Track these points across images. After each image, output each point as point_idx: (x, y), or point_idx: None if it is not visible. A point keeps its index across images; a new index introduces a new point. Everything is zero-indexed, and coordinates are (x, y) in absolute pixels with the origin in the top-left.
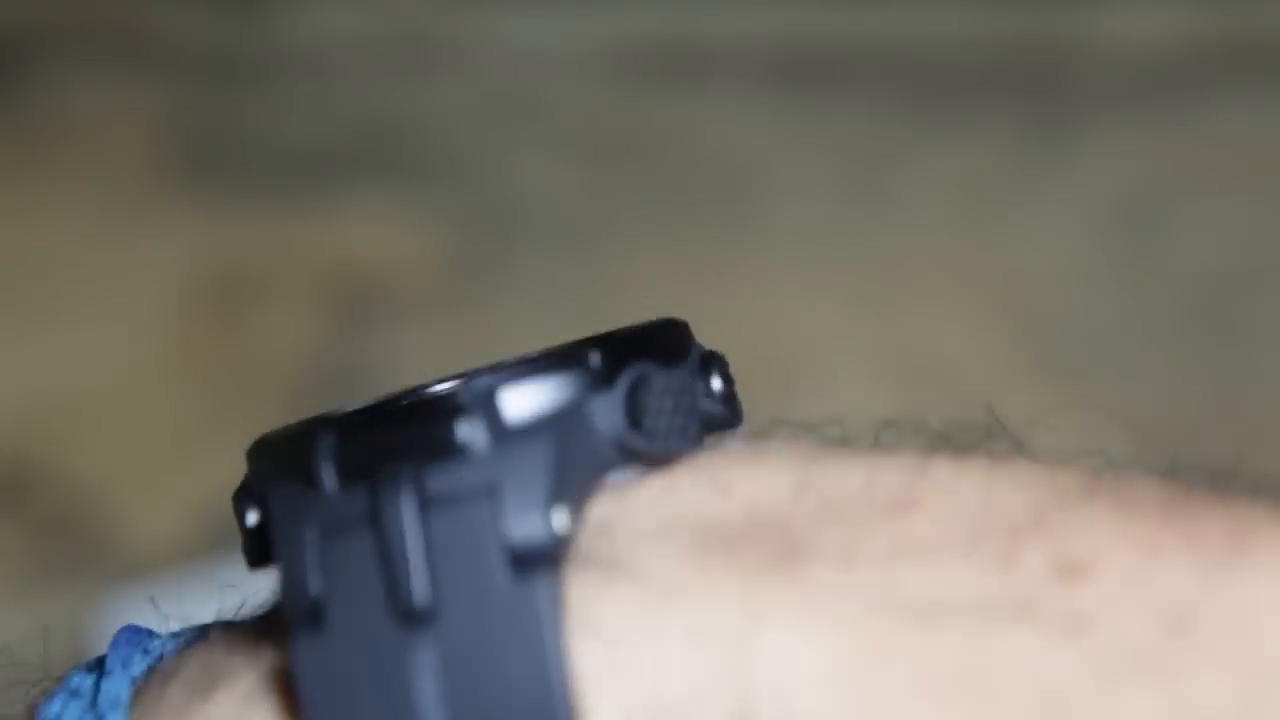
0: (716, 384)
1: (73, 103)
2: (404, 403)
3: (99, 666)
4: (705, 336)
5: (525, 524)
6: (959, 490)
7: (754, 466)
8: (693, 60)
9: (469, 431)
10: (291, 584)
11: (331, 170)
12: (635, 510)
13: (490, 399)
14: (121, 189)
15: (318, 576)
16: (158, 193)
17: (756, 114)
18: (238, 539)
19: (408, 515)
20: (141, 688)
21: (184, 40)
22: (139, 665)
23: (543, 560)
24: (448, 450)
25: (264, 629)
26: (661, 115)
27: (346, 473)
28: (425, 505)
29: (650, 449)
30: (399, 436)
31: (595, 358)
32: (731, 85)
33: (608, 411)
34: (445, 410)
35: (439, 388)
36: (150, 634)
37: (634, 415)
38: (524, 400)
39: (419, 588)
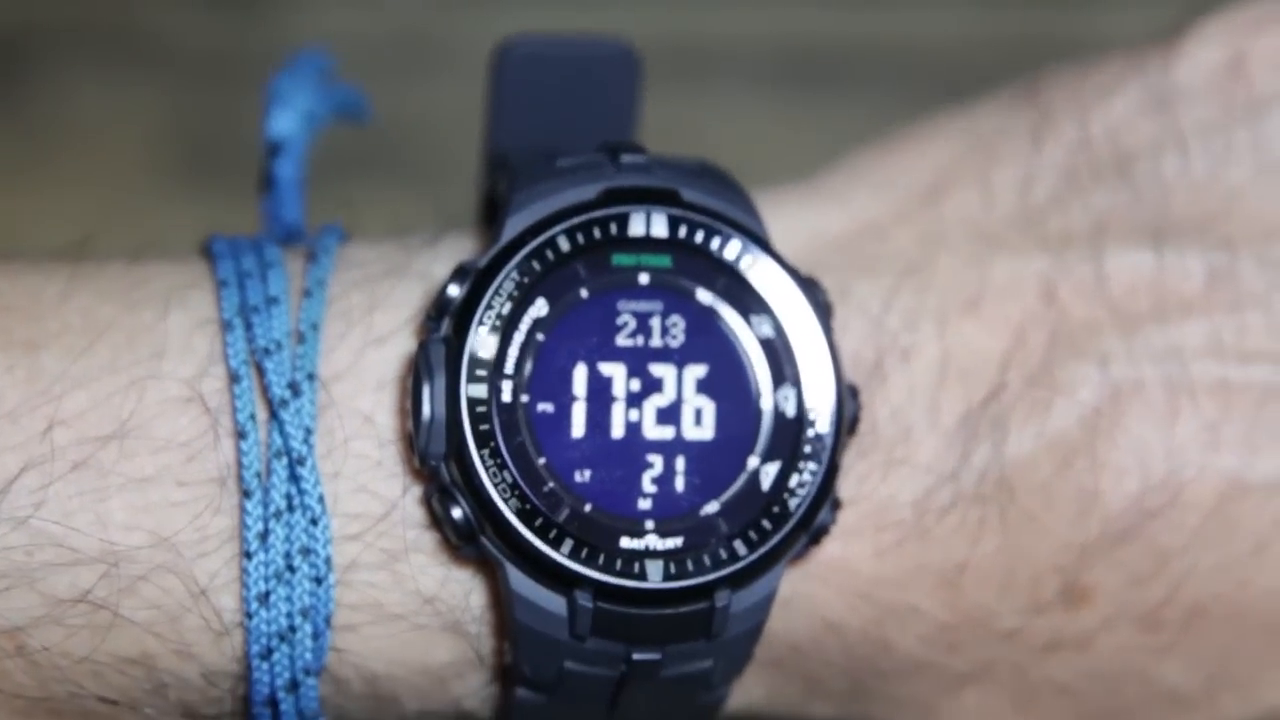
0: None
1: (73, 103)
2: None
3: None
4: None
5: None
6: None
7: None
8: (693, 60)
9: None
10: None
11: (332, 170)
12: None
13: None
14: (121, 189)
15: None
16: (158, 193)
17: (757, 113)
18: None
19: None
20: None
21: (184, 40)
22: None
23: None
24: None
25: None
26: (661, 115)
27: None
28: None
29: None
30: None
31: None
32: (732, 85)
33: None
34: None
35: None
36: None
37: None
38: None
39: None
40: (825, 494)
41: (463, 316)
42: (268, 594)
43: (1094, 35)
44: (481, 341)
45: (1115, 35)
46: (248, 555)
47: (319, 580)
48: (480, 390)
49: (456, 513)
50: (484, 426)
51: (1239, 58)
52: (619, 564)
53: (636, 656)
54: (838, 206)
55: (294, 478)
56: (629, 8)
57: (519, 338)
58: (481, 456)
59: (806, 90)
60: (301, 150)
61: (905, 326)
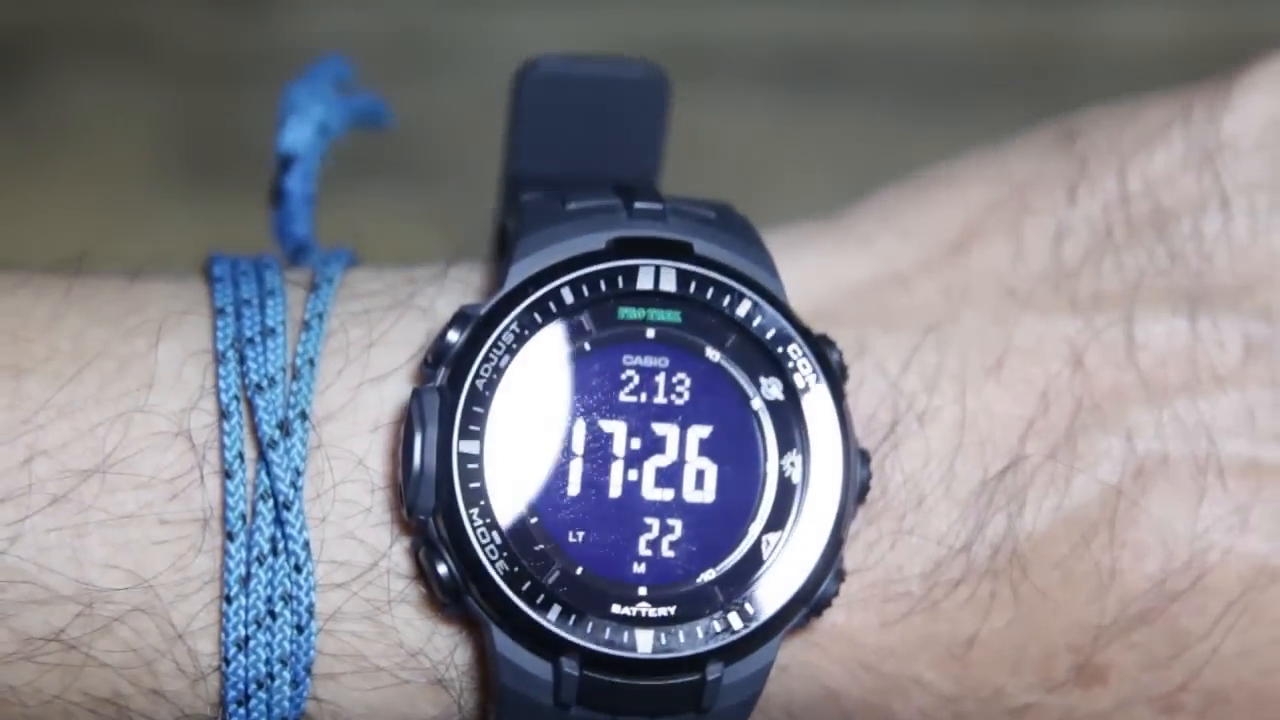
0: None
1: (74, 103)
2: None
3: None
4: None
5: None
6: None
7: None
8: (694, 59)
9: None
10: None
11: (331, 170)
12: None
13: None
14: (122, 189)
15: None
16: (158, 193)
17: (757, 113)
18: None
19: None
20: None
21: (184, 40)
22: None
23: None
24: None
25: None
26: None
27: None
28: None
29: None
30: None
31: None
32: (732, 84)
33: None
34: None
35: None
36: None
37: None
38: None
39: None
40: (827, 567)
41: (459, 366)
42: (247, 639)
43: (1094, 35)
44: (477, 396)
45: (1115, 35)
46: (228, 600)
47: (300, 628)
48: (473, 446)
49: (442, 569)
50: (474, 484)
51: None
52: (608, 632)
53: None
54: (862, 251)
55: (279, 521)
56: (629, 8)
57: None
58: (470, 515)
59: (806, 90)
60: (314, 164)
61: (924, 388)
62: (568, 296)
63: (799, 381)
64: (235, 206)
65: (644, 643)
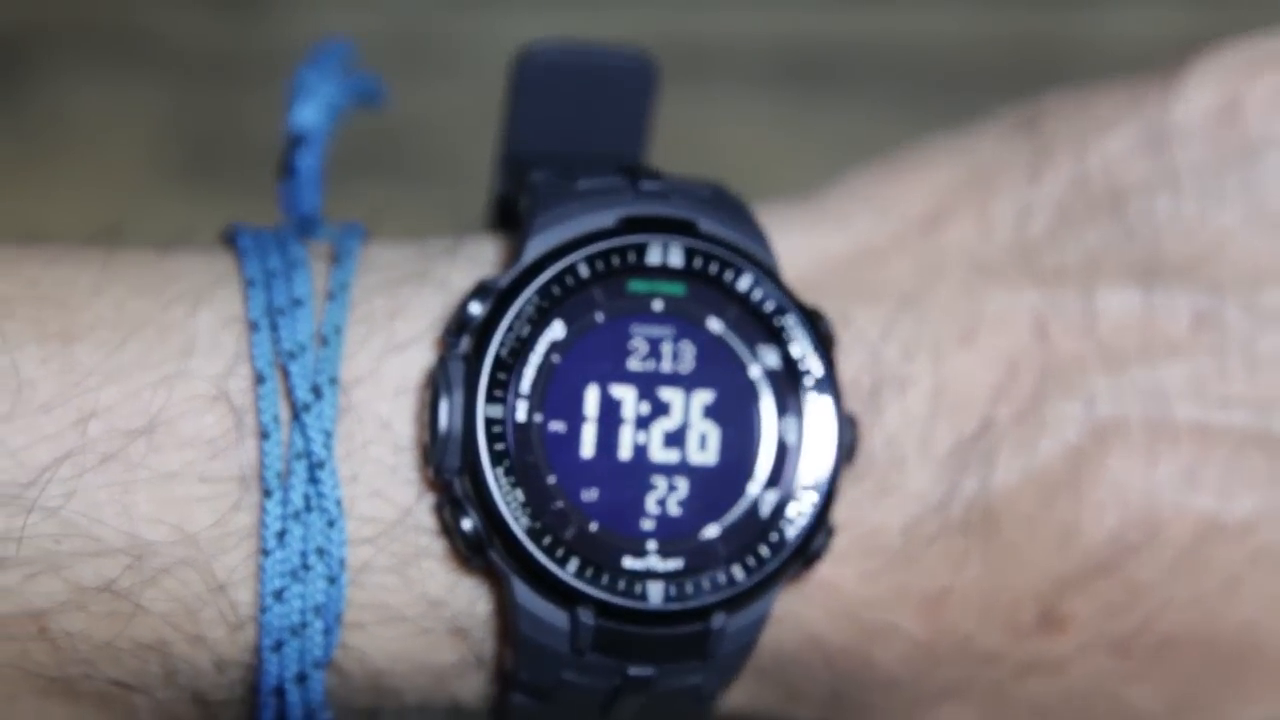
0: None
1: (73, 103)
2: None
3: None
4: None
5: None
6: None
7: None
8: (693, 60)
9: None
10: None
11: (331, 170)
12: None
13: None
14: (122, 189)
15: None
16: (158, 192)
17: (757, 114)
18: None
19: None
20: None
21: (184, 40)
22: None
23: None
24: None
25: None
26: (661, 115)
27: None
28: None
29: None
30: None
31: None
32: (732, 85)
33: None
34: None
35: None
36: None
37: None
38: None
39: None
40: (821, 522)
41: (483, 336)
42: (282, 591)
43: (1094, 35)
44: (500, 363)
45: (1115, 35)
46: (265, 553)
47: (332, 580)
48: (497, 410)
49: (467, 525)
50: (499, 445)
51: (1234, 101)
52: (621, 584)
53: (632, 672)
54: (840, 228)
55: (313, 480)
56: (629, 8)
57: (535, 359)
58: (495, 474)
59: (806, 90)
60: (323, 142)
61: (902, 356)
62: (583, 270)
63: (794, 351)
64: (235, 206)
65: (655, 594)
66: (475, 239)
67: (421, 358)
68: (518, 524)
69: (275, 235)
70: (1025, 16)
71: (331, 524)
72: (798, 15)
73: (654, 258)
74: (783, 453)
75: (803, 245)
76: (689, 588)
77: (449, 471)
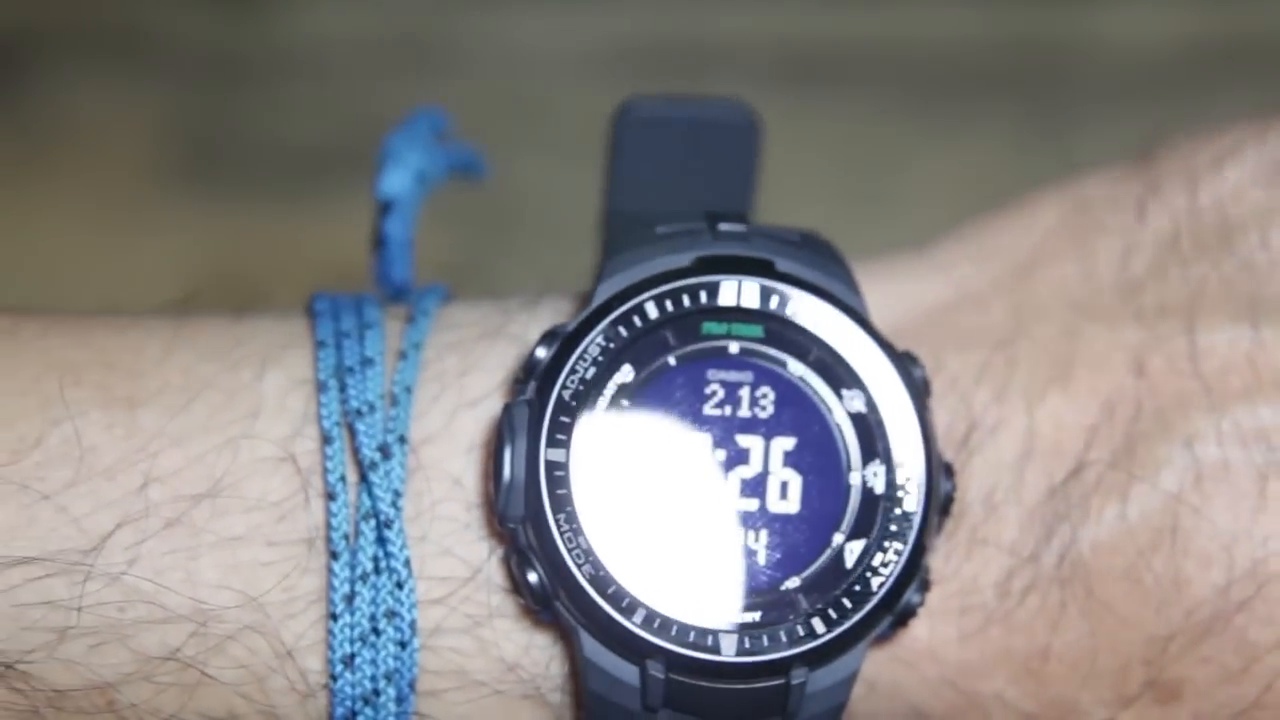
0: None
1: (73, 103)
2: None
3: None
4: None
5: None
6: None
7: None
8: (693, 60)
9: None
10: None
11: (331, 170)
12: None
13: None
14: (121, 189)
15: None
16: (158, 193)
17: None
18: None
19: None
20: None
21: (184, 40)
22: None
23: None
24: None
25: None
26: None
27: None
28: None
29: None
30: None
31: None
32: (732, 84)
33: None
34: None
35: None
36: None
37: None
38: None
39: None
40: (911, 574)
41: (547, 380)
42: (353, 657)
43: (1094, 36)
44: (563, 406)
45: (1115, 35)
46: (334, 617)
47: (403, 644)
48: (559, 454)
49: (532, 577)
50: (561, 491)
51: None
52: (692, 635)
53: None
54: (941, 276)
55: (381, 540)
56: (629, 8)
57: (603, 403)
58: (557, 521)
59: (806, 90)
60: (412, 210)
61: (995, 400)
62: (652, 311)
63: (880, 394)
64: (235, 205)
65: (728, 646)
66: (557, 295)
67: (494, 412)
68: (581, 573)
69: (355, 299)
70: (1025, 17)
71: (400, 585)
72: (798, 15)
73: (728, 297)
74: (869, 501)
75: (903, 292)
76: (765, 640)
77: (513, 520)
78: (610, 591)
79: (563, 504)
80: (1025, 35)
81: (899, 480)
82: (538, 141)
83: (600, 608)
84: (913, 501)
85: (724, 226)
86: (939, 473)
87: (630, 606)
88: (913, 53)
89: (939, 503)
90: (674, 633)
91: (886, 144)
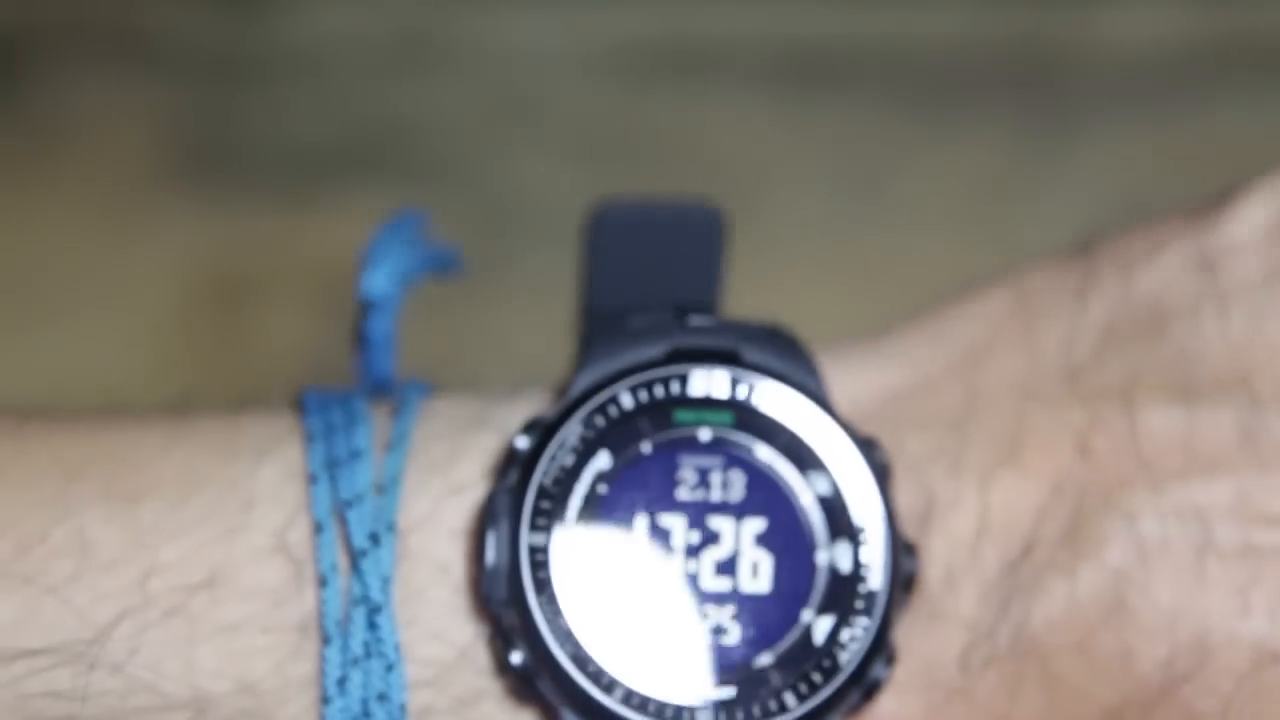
0: None
1: (73, 103)
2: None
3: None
4: None
5: None
6: None
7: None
8: (693, 60)
9: None
10: None
11: (331, 170)
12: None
13: None
14: (121, 189)
15: None
16: (157, 193)
17: (756, 114)
18: None
19: None
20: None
21: (184, 40)
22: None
23: None
24: None
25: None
26: (661, 115)
27: None
28: None
29: None
30: None
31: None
32: (731, 85)
33: None
34: None
35: None
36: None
37: None
38: None
39: None
40: (877, 649)
41: (528, 467)
42: None
43: (1093, 36)
44: (544, 492)
45: (1115, 35)
46: (326, 701)
47: None
48: (540, 539)
49: (516, 658)
50: (542, 574)
51: None
52: (669, 712)
53: None
54: (898, 362)
55: (372, 625)
56: (629, 7)
57: (581, 489)
58: (540, 603)
59: (806, 90)
60: (394, 309)
61: (950, 477)
62: (627, 401)
63: (844, 476)
64: (235, 205)
65: None
66: (538, 388)
67: (478, 498)
68: (563, 652)
69: (341, 394)
70: (1025, 17)
71: (390, 669)
72: (798, 15)
73: (698, 387)
74: (836, 579)
75: (864, 379)
76: (740, 715)
77: (497, 604)
78: (590, 670)
79: (544, 586)
80: (1025, 35)
81: (863, 559)
82: (538, 141)
83: (581, 687)
84: (877, 579)
85: (694, 320)
86: (901, 551)
87: (609, 685)
88: (913, 53)
89: (902, 580)
90: (651, 709)
91: (886, 144)
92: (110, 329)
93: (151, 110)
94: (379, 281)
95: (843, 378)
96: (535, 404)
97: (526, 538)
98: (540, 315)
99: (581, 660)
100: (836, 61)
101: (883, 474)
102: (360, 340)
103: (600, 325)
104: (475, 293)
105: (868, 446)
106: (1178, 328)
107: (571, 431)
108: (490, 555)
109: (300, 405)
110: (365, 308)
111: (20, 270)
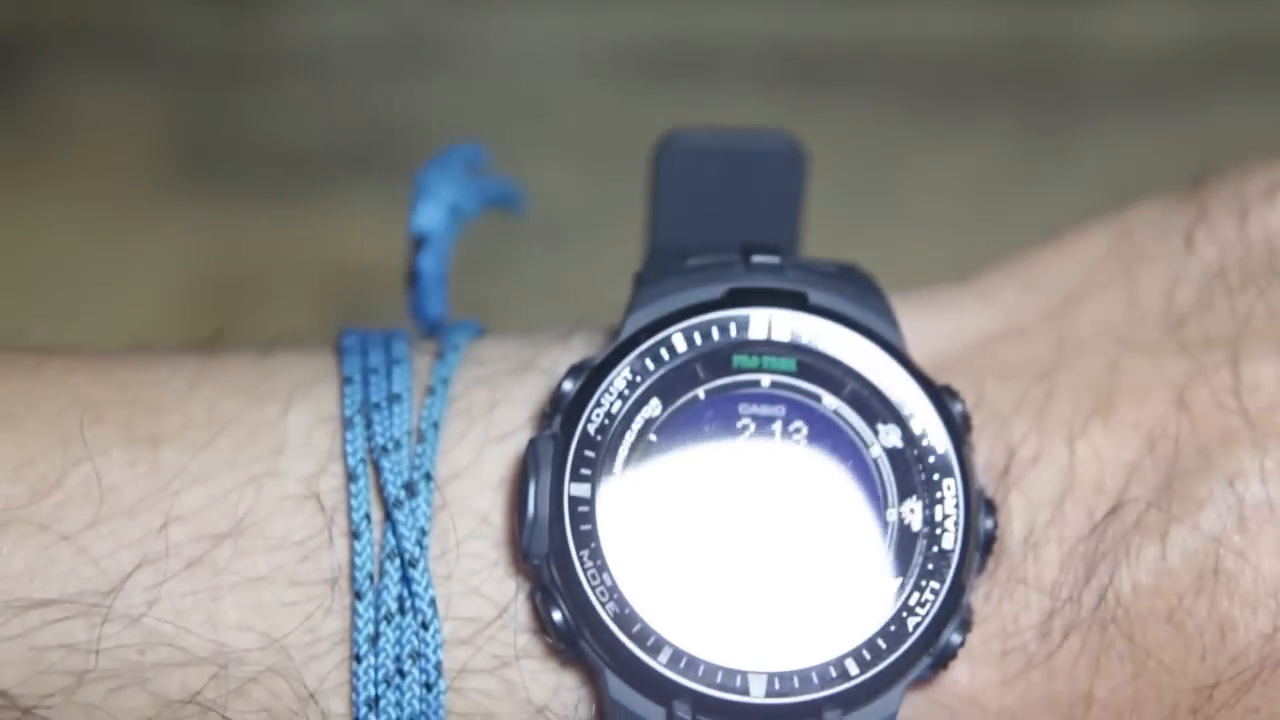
0: None
1: (73, 103)
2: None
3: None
4: None
5: None
6: None
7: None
8: (693, 60)
9: None
10: None
11: (331, 170)
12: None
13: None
14: (121, 189)
15: None
16: (157, 193)
17: (756, 113)
18: None
19: None
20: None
21: (184, 41)
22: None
23: None
24: None
25: None
26: (662, 115)
27: None
28: None
29: None
30: None
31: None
32: (731, 85)
33: None
34: None
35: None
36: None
37: None
38: None
39: None
40: (948, 614)
41: (572, 414)
42: (377, 699)
43: (1095, 36)
44: (588, 440)
45: (1115, 35)
46: (358, 659)
47: (429, 686)
48: (583, 490)
49: (557, 615)
50: (585, 527)
51: None
52: (720, 676)
53: None
54: (985, 306)
55: (406, 580)
56: (629, 8)
57: (630, 437)
58: (580, 558)
59: (806, 90)
60: (446, 245)
61: (1035, 431)
62: (679, 344)
63: (917, 428)
64: (235, 205)
65: (757, 687)
66: (590, 329)
67: (521, 447)
68: (605, 611)
69: (384, 335)
70: (1026, 17)
71: (426, 626)
72: (798, 15)
73: (759, 330)
74: (906, 538)
75: (943, 324)
76: (796, 682)
77: (537, 556)
78: (635, 630)
79: (587, 540)
80: (1026, 35)
81: (937, 517)
82: (538, 141)
83: (625, 646)
84: (950, 539)
85: (757, 258)
86: (979, 509)
87: (656, 645)
88: (913, 53)
89: (978, 540)
90: (701, 673)
91: (887, 144)
92: (110, 327)
93: (151, 110)
94: (429, 215)
95: (923, 323)
96: (588, 346)
97: (569, 488)
98: (540, 314)
99: (626, 620)
100: (836, 61)
101: (960, 426)
102: (411, 277)
103: (657, 263)
104: (474, 292)
105: (944, 397)
106: None
107: (620, 376)
108: (530, 507)
109: (338, 346)
110: (416, 243)
111: (20, 269)
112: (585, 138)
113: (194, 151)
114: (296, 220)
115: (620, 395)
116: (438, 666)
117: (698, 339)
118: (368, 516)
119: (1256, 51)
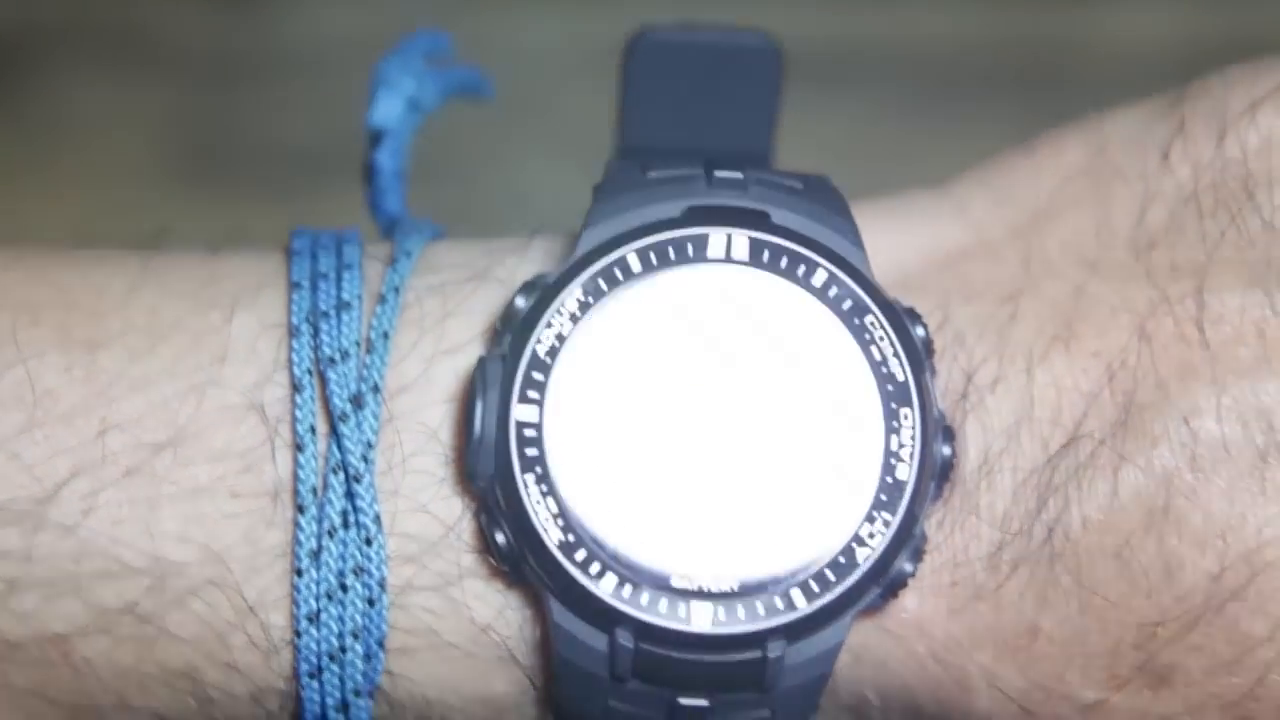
0: None
1: (73, 103)
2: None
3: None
4: None
5: None
6: None
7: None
8: None
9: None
10: None
11: (331, 170)
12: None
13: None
14: (122, 189)
15: None
16: (158, 193)
17: None
18: None
19: None
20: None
21: (184, 40)
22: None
23: None
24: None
25: None
26: None
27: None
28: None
29: None
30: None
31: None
32: None
33: None
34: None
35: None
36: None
37: None
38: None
39: None
40: (899, 545)
41: (522, 333)
42: (319, 613)
43: (1094, 36)
44: (537, 362)
45: (1115, 35)
46: (299, 573)
47: (371, 602)
48: (530, 413)
49: (500, 537)
50: (530, 450)
51: None
52: (663, 604)
53: (683, 702)
54: (955, 219)
55: (350, 495)
56: (629, 8)
57: (580, 358)
58: (525, 481)
59: (806, 90)
60: (404, 139)
61: (996, 356)
62: (634, 264)
63: (875, 354)
64: (235, 206)
65: (700, 617)
66: (550, 236)
67: (474, 361)
68: (549, 536)
69: (335, 237)
70: (1025, 17)
71: (369, 541)
72: (798, 15)
73: (717, 250)
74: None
75: (910, 240)
76: (741, 611)
77: (481, 478)
78: (579, 556)
79: (533, 464)
80: (1026, 35)
81: (893, 447)
82: (538, 141)
83: (567, 572)
84: (905, 470)
85: (720, 174)
86: (935, 438)
87: (600, 572)
88: (913, 53)
89: (934, 469)
90: (645, 601)
91: (887, 144)
92: None
93: (151, 109)
94: (386, 108)
95: (892, 235)
96: (546, 256)
97: (516, 411)
98: None
99: (569, 546)
100: (837, 61)
101: (921, 353)
102: (368, 172)
103: (616, 174)
104: None
105: (906, 319)
106: (1270, 199)
107: (571, 297)
108: (477, 428)
109: (288, 248)
110: (374, 138)
111: None
112: (585, 138)
113: (194, 151)
114: (296, 219)
115: (571, 317)
116: (381, 583)
117: (653, 259)
118: (312, 429)
119: (1256, 52)
